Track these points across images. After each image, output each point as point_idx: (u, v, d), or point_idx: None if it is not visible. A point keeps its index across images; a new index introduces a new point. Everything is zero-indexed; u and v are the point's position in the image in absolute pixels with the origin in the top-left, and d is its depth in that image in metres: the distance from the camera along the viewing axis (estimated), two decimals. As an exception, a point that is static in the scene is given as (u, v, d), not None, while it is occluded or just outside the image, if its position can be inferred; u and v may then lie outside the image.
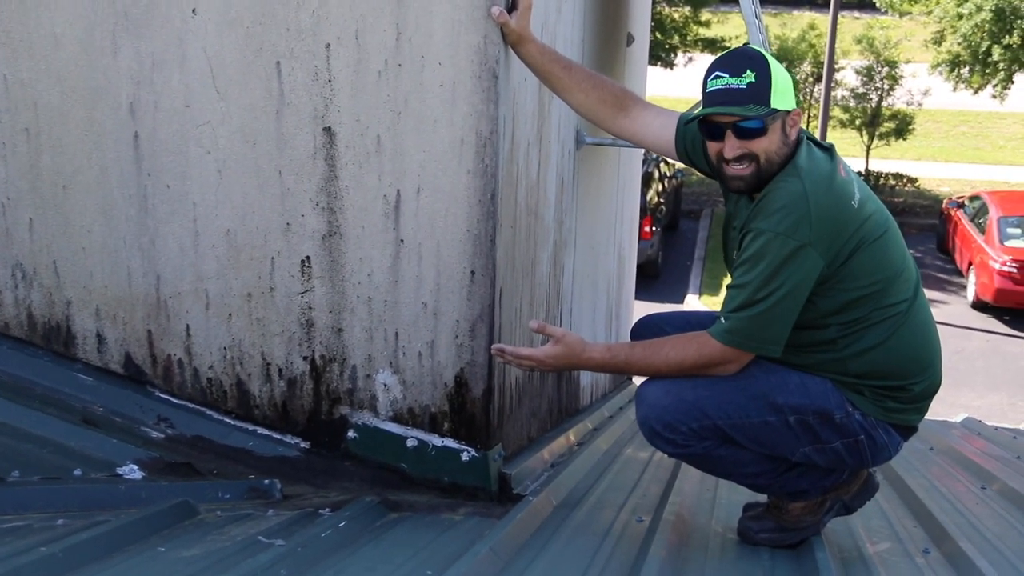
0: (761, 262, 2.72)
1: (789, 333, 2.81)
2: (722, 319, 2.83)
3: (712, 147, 2.87)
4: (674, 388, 2.91)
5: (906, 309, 2.87)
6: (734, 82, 2.76)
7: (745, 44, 2.89)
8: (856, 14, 36.07)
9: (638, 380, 3.29)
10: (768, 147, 2.79)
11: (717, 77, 2.78)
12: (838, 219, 2.74)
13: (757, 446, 2.94)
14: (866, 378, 2.86)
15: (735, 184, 2.86)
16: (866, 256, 2.78)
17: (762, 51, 2.80)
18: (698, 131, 3.00)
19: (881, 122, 24.21)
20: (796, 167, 2.78)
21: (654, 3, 21.89)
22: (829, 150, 2.89)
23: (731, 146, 2.81)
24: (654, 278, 18.02)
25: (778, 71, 2.78)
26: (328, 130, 3.30)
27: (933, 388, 2.96)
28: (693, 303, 17.68)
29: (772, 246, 2.70)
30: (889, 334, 2.84)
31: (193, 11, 3.34)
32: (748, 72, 2.75)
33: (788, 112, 2.80)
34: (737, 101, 2.75)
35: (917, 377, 2.90)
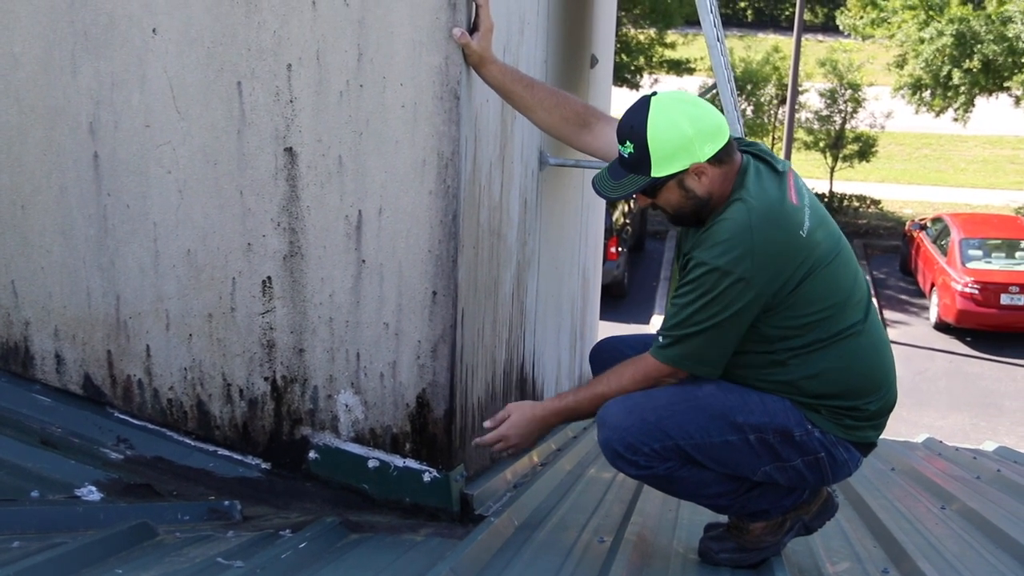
0: (698, 291, 2.77)
1: (728, 357, 2.87)
2: (660, 338, 2.90)
3: None
4: (636, 409, 2.92)
5: (858, 331, 2.88)
6: (621, 149, 2.84)
7: (652, 94, 2.84)
8: (820, 37, 36.46)
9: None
10: (668, 202, 2.87)
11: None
12: (783, 252, 2.75)
13: (719, 466, 2.95)
14: (821, 398, 2.89)
15: (669, 221, 2.97)
16: (815, 283, 2.79)
17: (652, 113, 2.76)
18: None
19: (844, 144, 24.44)
20: (743, 197, 2.78)
21: (619, 25, 22.03)
22: (782, 174, 2.89)
23: (639, 200, 2.93)
24: (620, 298, 18.08)
25: (661, 138, 2.76)
26: (289, 150, 3.30)
27: (888, 406, 2.98)
28: (659, 323, 17.72)
29: (710, 278, 2.74)
30: (840, 357, 2.86)
31: (153, 31, 3.34)
32: (628, 143, 2.81)
33: (683, 171, 2.79)
34: (618, 168, 2.86)
35: (871, 396, 2.92)
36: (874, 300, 3.05)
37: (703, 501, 3.11)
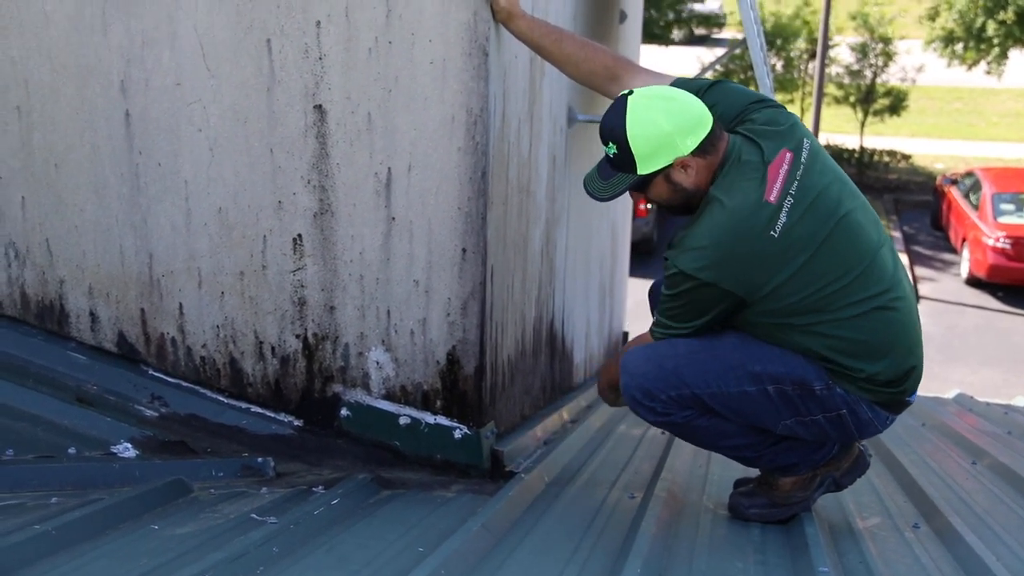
0: (672, 292, 2.88)
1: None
2: (654, 328, 3.03)
3: None
4: (655, 357, 2.95)
5: (866, 302, 2.81)
6: (606, 150, 2.89)
7: (628, 93, 2.86)
8: (851, -10, 35.98)
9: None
10: (659, 196, 2.92)
11: None
12: (751, 260, 2.75)
13: (738, 416, 2.95)
14: (829, 361, 2.86)
15: (666, 212, 3.03)
16: (797, 276, 2.76)
17: (630, 113, 2.79)
18: None
19: (875, 99, 24.18)
20: (718, 198, 2.79)
21: (648, -21, 21.82)
22: (764, 164, 2.81)
23: (632, 196, 3.01)
24: (649, 255, 18.01)
25: (640, 136, 2.79)
26: (319, 108, 3.30)
27: (901, 374, 2.88)
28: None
29: (683, 283, 2.82)
30: (840, 327, 2.81)
31: (183, -11, 3.34)
32: (610, 144, 2.85)
33: (668, 166, 2.82)
34: (607, 168, 2.91)
35: (879, 364, 2.85)
36: (900, 269, 2.98)
37: (727, 452, 3.11)
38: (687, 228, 2.84)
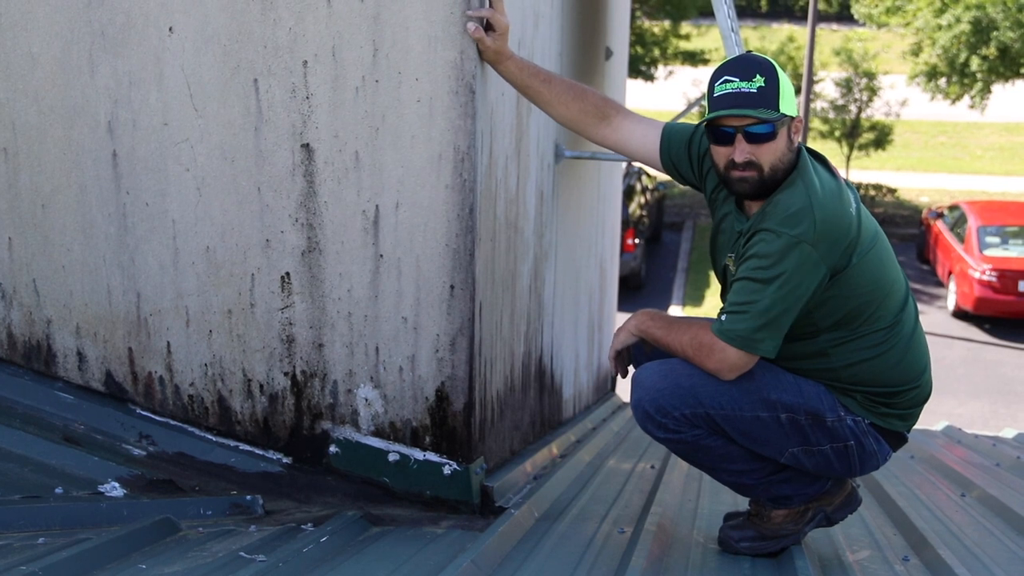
0: (766, 260, 2.75)
1: (784, 334, 2.82)
2: (722, 316, 2.85)
3: (720, 152, 2.87)
4: (671, 374, 2.94)
5: (899, 321, 2.93)
6: (744, 86, 2.79)
7: (749, 52, 2.94)
8: (834, 26, 36.32)
9: (621, 388, 3.28)
10: (774, 154, 2.82)
11: (726, 81, 2.82)
12: (840, 226, 2.78)
13: (747, 441, 2.96)
14: (858, 385, 2.93)
15: (741, 186, 2.87)
16: (864, 265, 2.83)
17: (768, 58, 2.85)
18: (683, 141, 3.10)
19: (860, 133, 24.34)
20: (801, 175, 2.83)
21: (633, 17, 21.98)
22: (824, 161, 2.96)
23: (741, 150, 2.82)
24: (637, 289, 18.05)
25: (784, 78, 2.83)
26: (306, 146, 3.32)
27: (923, 397, 3.03)
28: (677, 313, 17.68)
29: (779, 246, 2.74)
30: (879, 346, 2.90)
31: (170, 29, 3.36)
32: (758, 77, 2.79)
33: (793, 118, 2.85)
34: (749, 104, 2.78)
35: (908, 385, 2.97)
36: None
37: (727, 477, 3.11)
38: (769, 205, 2.82)
